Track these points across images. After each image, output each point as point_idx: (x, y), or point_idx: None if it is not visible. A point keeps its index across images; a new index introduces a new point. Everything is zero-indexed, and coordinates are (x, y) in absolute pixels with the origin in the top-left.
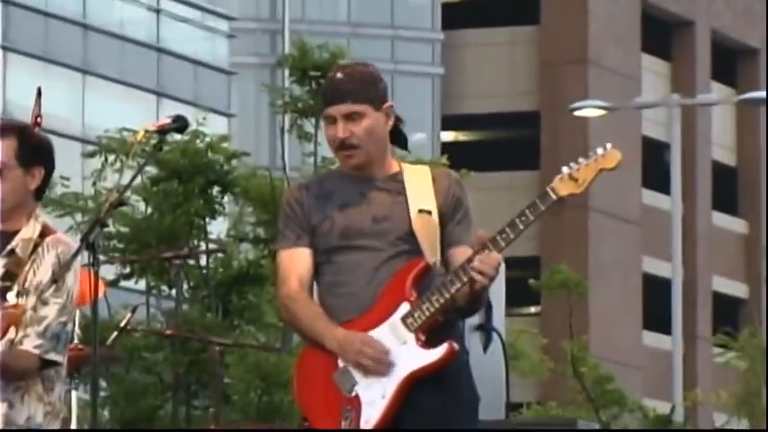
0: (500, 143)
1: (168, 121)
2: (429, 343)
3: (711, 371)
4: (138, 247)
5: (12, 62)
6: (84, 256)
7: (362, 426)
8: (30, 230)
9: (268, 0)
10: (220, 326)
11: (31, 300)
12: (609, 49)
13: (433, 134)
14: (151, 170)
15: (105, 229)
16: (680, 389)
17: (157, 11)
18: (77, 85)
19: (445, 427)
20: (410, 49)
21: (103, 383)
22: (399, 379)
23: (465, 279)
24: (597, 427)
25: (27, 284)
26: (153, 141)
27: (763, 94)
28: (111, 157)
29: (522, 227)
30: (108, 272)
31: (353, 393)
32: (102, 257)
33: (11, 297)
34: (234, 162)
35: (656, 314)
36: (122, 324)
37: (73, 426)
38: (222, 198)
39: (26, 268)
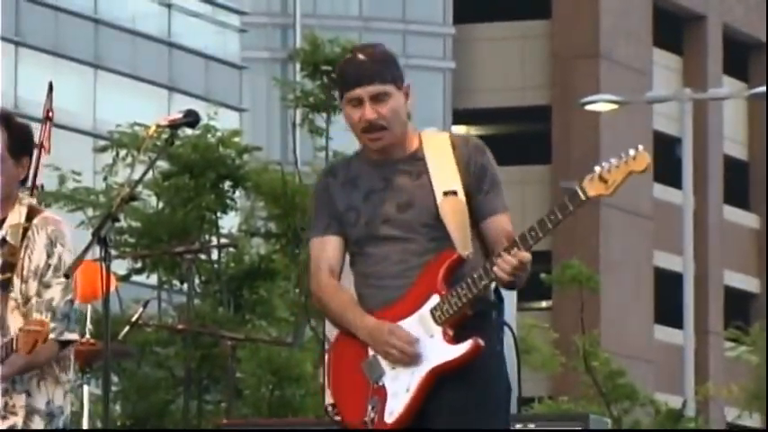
0: (512, 137)
1: (179, 115)
2: (457, 337)
3: (723, 365)
4: (150, 242)
5: (23, 57)
6: (96, 251)
7: (386, 417)
8: (16, 215)
9: None
10: (232, 320)
11: (33, 285)
12: (620, 44)
13: (444, 128)
14: (162, 165)
15: (117, 224)
16: (691, 383)
17: (169, 5)
18: (89, 79)
19: (467, 424)
20: (422, 43)
21: (115, 378)
22: (423, 374)
23: (492, 276)
24: (608, 421)
25: (26, 272)
26: (164, 136)
27: None
28: (123, 152)
29: (551, 225)
30: (120, 267)
31: (381, 383)
32: (113, 252)
33: (16, 291)
34: (245, 157)
35: (667, 308)
36: (134, 319)
37: (84, 420)
38: (234, 193)
39: (21, 255)
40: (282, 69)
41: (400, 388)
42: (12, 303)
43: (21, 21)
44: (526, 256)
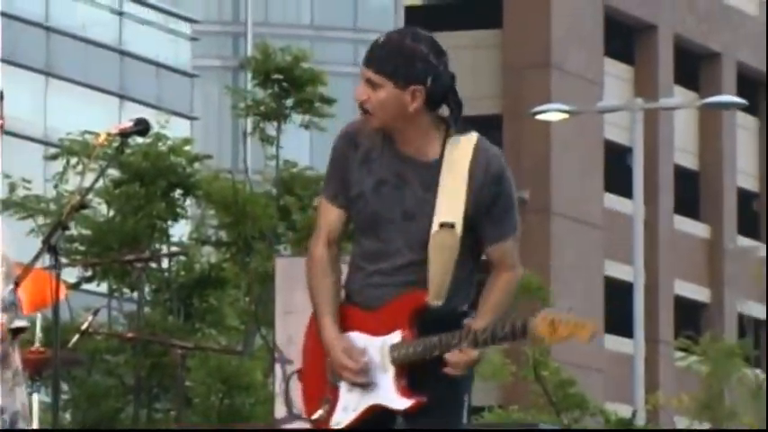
0: None
1: (130, 123)
2: (409, 386)
3: (673, 375)
4: (100, 250)
5: None
6: (46, 259)
7: (332, 423)
8: None
9: (231, 3)
10: (182, 329)
11: None
12: (572, 53)
13: None
14: (113, 173)
15: (67, 232)
16: (641, 392)
17: (120, 13)
18: (40, 87)
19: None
20: None
21: (65, 386)
22: (365, 406)
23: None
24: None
25: None
26: (115, 144)
27: (725, 98)
28: (74, 160)
29: (498, 341)
30: (70, 275)
31: (336, 385)
32: (63, 260)
33: None
34: (196, 165)
35: (617, 318)
36: (84, 327)
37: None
38: (184, 201)
39: None
40: (234, 78)
41: (349, 403)
42: None
43: None
44: (472, 356)
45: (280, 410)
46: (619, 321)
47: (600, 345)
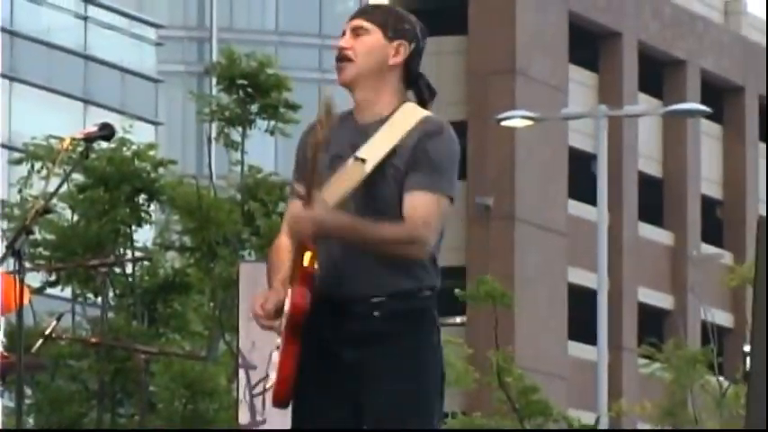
0: None
1: (95, 128)
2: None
3: (636, 381)
4: (64, 255)
5: None
6: (10, 264)
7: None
8: None
9: (196, 8)
10: (146, 334)
11: None
12: (536, 60)
13: None
14: (77, 178)
15: (31, 237)
16: (605, 399)
17: (85, 18)
18: (4, 91)
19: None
20: None
21: (28, 391)
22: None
23: None
24: None
25: None
26: (79, 149)
27: (689, 105)
28: (38, 165)
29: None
30: (33, 279)
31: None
32: (27, 265)
33: None
34: (160, 170)
35: (581, 324)
36: (48, 332)
37: None
38: (149, 206)
39: None
40: (198, 83)
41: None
42: None
43: None
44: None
45: (243, 416)
46: (582, 328)
47: (563, 352)
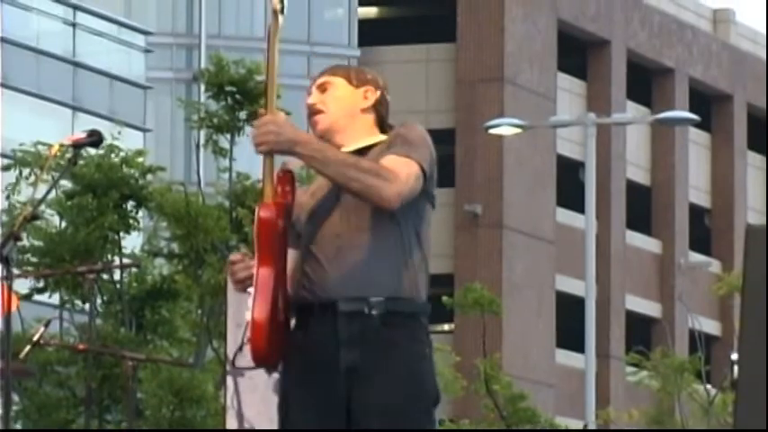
0: None
1: (83, 135)
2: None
3: (624, 389)
4: (52, 261)
5: None
6: None
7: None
8: None
9: (185, 15)
10: (134, 341)
11: None
12: (525, 68)
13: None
14: (66, 184)
15: (19, 243)
16: (592, 407)
17: (73, 24)
18: None
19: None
20: (326, 65)
21: (16, 397)
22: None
23: None
24: None
25: None
26: (68, 155)
27: (677, 113)
28: (26, 171)
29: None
30: (21, 286)
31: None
32: (15, 271)
33: None
34: (149, 177)
35: (569, 332)
36: (35, 338)
37: None
38: (137, 213)
39: None
40: (187, 90)
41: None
42: None
43: None
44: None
45: (231, 423)
46: (570, 336)
47: (551, 359)
